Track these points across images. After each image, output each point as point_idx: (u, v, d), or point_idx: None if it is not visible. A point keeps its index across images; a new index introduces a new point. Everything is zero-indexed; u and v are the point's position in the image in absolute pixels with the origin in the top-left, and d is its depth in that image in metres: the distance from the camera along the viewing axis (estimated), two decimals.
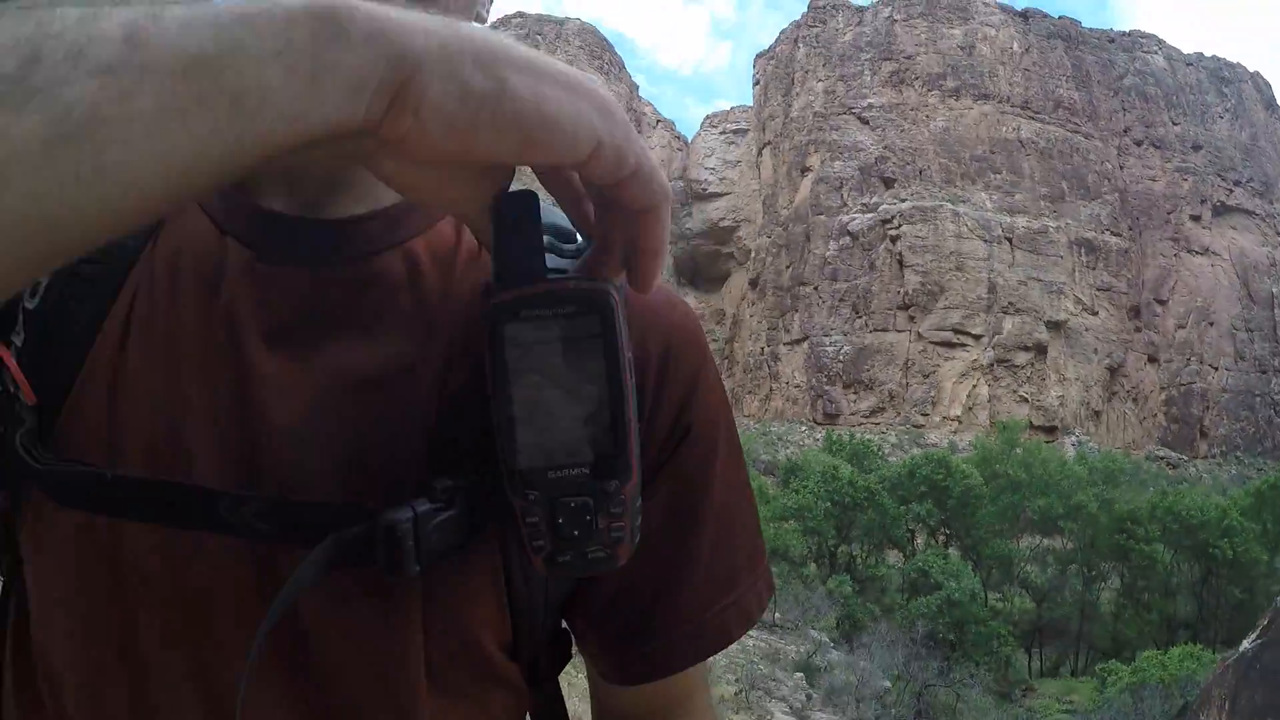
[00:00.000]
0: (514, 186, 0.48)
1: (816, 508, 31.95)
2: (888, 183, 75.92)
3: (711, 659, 0.74)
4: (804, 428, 66.42)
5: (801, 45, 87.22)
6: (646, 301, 0.65)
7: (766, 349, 76.60)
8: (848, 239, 73.99)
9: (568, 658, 0.74)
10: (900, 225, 71.49)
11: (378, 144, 0.42)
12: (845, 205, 75.64)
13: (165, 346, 0.61)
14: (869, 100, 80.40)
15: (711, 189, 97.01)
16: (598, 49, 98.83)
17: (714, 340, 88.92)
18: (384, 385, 0.62)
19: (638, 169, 0.46)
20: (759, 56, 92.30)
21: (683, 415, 0.67)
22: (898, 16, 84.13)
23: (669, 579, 0.69)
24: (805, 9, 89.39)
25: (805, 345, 72.28)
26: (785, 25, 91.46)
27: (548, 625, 0.68)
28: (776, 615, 24.07)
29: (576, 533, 0.52)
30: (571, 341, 0.49)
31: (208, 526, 0.57)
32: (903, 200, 73.22)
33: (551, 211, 0.58)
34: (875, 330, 69.97)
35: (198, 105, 0.36)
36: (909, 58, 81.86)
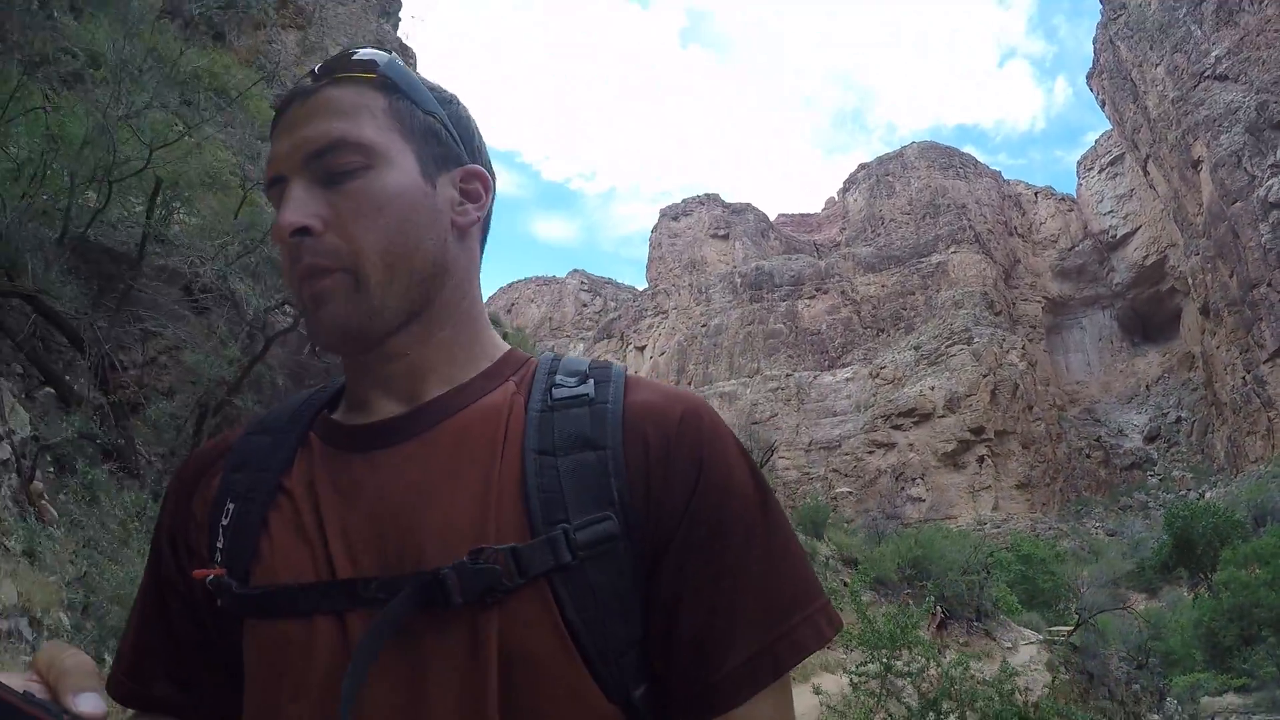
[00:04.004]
0: None
1: None
2: None
3: None
4: None
5: (1118, 42, 79.94)
6: (649, 402, 0.92)
7: (1248, 378, 67.49)
8: (1277, 212, 64.82)
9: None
10: None
11: None
12: (1255, 178, 66.16)
13: (292, 513, 0.93)
14: (1214, 54, 70.74)
15: (1121, 231, 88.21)
16: (944, 160, 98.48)
17: (1193, 390, 79.77)
18: (430, 493, 0.88)
19: None
20: (1090, 77, 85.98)
21: (693, 489, 0.87)
22: None
23: (713, 621, 0.86)
24: (1100, 6, 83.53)
25: None
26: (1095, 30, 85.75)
27: (628, 664, 0.86)
28: None
29: None
30: None
31: (354, 605, 0.85)
32: None
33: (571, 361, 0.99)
34: None
35: None
36: None
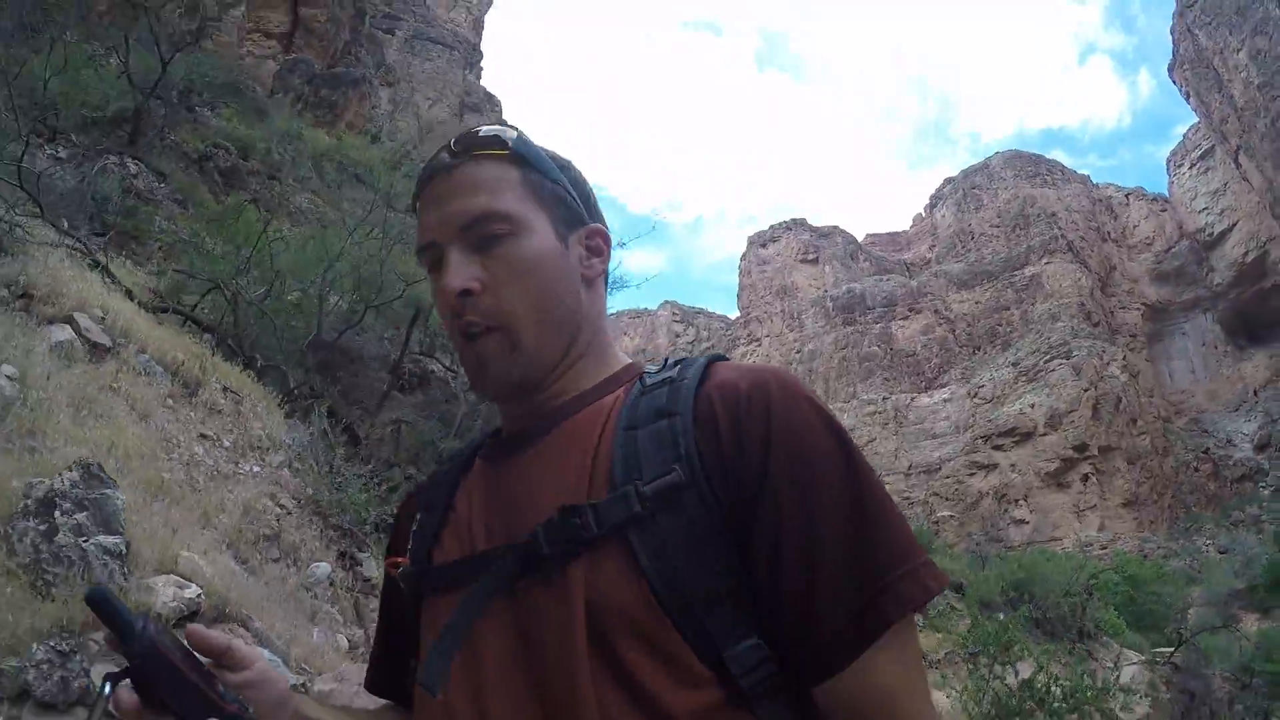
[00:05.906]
0: None
1: None
2: None
3: None
4: None
5: (1196, 30, 76.45)
6: (724, 378, 0.99)
7: None
8: None
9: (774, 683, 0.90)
10: None
11: None
12: None
13: (454, 520, 1.08)
14: None
15: (1217, 229, 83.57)
16: (1031, 168, 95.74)
17: None
18: (542, 478, 1.01)
19: None
20: (1171, 69, 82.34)
21: (766, 449, 0.91)
22: None
23: (811, 580, 0.88)
24: None
25: None
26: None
27: (718, 620, 0.90)
28: None
29: None
30: None
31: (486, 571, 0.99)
32: None
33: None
34: None
35: None
36: None
